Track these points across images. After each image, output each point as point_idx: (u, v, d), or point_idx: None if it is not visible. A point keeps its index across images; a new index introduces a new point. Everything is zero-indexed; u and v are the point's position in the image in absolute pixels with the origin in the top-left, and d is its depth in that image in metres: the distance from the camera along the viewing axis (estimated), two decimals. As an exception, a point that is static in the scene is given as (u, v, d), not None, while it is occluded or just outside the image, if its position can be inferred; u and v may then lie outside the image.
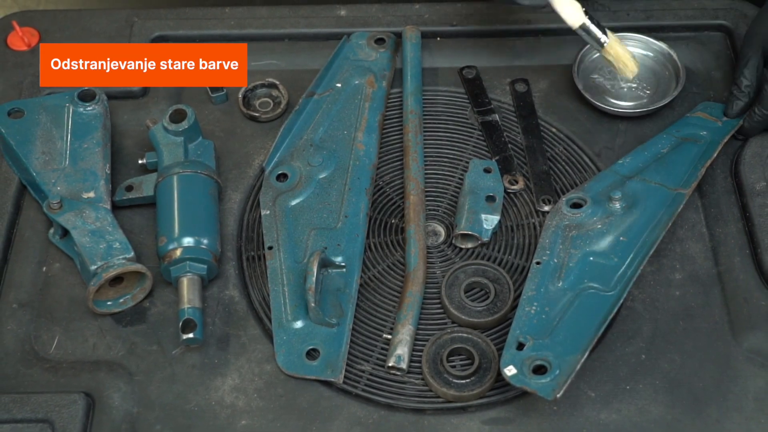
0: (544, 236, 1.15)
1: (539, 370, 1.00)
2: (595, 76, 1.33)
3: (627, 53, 1.24)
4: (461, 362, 1.07)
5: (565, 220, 1.15)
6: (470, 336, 1.07)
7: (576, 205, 1.16)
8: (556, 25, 1.37)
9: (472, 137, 1.29)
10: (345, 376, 1.06)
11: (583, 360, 0.99)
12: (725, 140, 1.22)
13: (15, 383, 1.05)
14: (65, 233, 1.13)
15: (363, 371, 1.07)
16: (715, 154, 1.20)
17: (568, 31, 1.37)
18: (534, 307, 1.07)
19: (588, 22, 1.19)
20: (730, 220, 1.18)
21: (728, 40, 1.37)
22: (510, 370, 1.00)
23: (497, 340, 1.08)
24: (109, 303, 1.10)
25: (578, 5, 1.18)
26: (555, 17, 1.37)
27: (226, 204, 1.21)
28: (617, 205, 1.14)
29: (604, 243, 1.11)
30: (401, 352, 1.06)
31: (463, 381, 1.04)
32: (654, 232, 1.12)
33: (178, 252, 1.09)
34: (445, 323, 1.11)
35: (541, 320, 1.05)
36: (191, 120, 1.20)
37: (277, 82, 1.32)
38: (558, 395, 0.97)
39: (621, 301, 1.06)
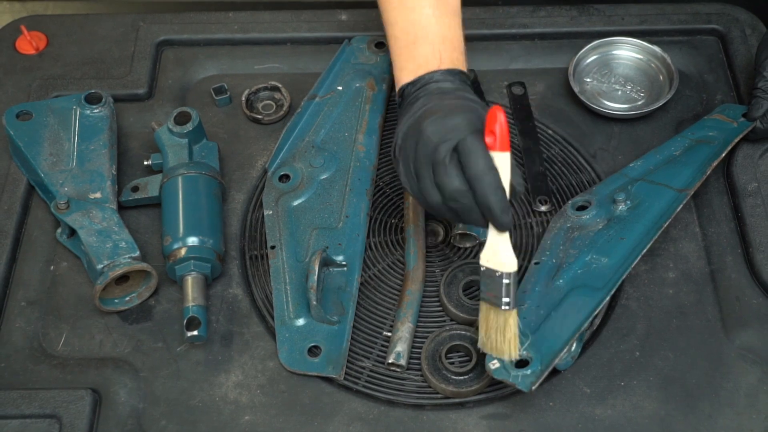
0: (546, 238, 1.15)
1: (522, 364, 0.99)
2: (590, 79, 1.33)
3: (517, 333, 1.00)
4: (459, 359, 1.07)
5: (569, 222, 1.15)
6: (468, 333, 1.07)
7: (581, 208, 1.16)
8: (552, 29, 1.37)
9: (470, 139, 1.28)
10: (346, 373, 1.06)
11: (562, 355, 0.99)
12: (736, 140, 1.20)
13: (23, 379, 1.05)
14: (72, 233, 1.13)
15: (363, 368, 1.07)
16: (724, 154, 1.18)
17: (564, 35, 1.37)
18: (525, 305, 1.07)
19: (514, 279, 0.98)
20: (723, 220, 1.18)
21: (721, 44, 1.37)
22: (494, 364, 1.00)
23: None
24: (115, 301, 1.10)
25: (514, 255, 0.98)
26: (550, 21, 1.38)
27: (229, 204, 1.21)
28: (621, 207, 1.13)
29: (603, 243, 1.11)
30: (401, 349, 1.06)
31: (462, 377, 1.04)
32: (652, 232, 1.11)
33: (183, 251, 1.09)
34: (444, 321, 1.11)
35: (531, 318, 1.05)
36: (195, 122, 1.20)
37: (280, 85, 1.32)
38: (534, 387, 0.96)
39: (607, 298, 1.05)
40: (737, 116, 1.24)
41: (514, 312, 0.98)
